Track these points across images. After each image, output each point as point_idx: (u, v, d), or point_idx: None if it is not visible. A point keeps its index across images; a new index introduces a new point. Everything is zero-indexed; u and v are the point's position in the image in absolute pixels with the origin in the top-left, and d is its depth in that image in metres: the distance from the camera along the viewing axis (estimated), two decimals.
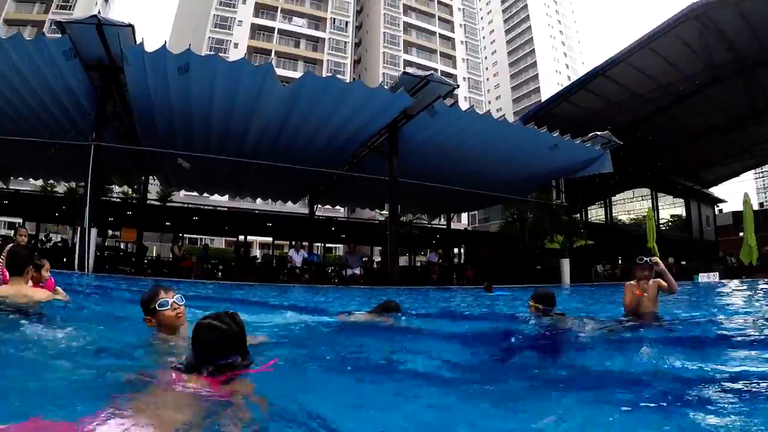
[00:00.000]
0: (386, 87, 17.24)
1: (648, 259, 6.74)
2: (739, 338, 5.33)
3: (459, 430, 2.59)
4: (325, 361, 4.12)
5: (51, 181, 29.24)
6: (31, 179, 29.96)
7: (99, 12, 15.84)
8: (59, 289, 6.63)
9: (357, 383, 3.44)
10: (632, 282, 6.94)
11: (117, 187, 28.81)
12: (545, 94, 78.10)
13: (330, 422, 2.43)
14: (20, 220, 28.99)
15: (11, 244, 6.38)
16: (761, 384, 3.13)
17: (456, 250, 27.80)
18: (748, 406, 2.78)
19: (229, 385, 2.64)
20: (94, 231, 16.39)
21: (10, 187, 29.29)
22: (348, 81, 17.47)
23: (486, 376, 3.58)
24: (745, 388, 3.06)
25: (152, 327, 3.84)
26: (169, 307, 3.76)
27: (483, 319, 7.27)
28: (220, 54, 15.56)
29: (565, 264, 24.97)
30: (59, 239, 30.54)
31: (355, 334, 5.96)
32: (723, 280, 24.39)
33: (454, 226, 34.82)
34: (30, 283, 5.76)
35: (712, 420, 2.56)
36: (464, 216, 57.41)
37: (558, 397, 3.02)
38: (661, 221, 42.95)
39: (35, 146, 20.30)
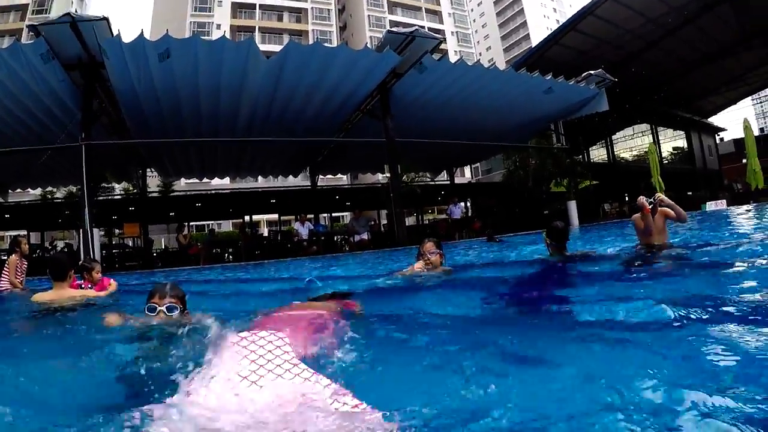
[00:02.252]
0: (372, 48, 16.95)
1: (652, 199, 6.61)
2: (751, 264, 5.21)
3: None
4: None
5: (50, 188, 29.20)
6: (29, 189, 29.93)
7: (75, 11, 15.55)
8: (113, 282, 7.40)
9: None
10: (637, 214, 6.85)
11: (117, 184, 28.80)
12: (535, 40, 77.34)
13: None
14: (24, 232, 29.04)
15: (53, 252, 7.03)
16: None
17: (462, 204, 27.61)
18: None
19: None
20: (96, 231, 16.32)
21: (10, 200, 29.31)
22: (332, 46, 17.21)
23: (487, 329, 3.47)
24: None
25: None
26: (154, 314, 3.78)
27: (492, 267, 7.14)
28: (204, 37, 15.24)
29: (572, 206, 24.89)
30: (63, 245, 30.60)
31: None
32: (731, 207, 24.22)
33: (457, 180, 34.63)
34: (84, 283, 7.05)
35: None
36: (467, 169, 57.30)
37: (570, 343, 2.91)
38: (663, 155, 42.74)
39: (27, 155, 20.19)
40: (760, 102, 74.99)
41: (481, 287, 5.69)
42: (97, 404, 2.41)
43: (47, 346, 4.00)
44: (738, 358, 2.34)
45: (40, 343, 4.16)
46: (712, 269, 5.12)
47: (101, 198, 25.59)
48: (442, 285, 5.97)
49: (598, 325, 3.41)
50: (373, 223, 26.44)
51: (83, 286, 7.19)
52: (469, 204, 28.64)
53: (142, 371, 2.72)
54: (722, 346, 2.47)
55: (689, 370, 2.33)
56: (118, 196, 29.04)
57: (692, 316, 3.12)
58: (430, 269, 6.38)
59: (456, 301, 4.79)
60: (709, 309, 3.24)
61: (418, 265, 6.56)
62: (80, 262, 7.93)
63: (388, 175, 21.22)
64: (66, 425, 2.04)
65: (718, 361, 2.33)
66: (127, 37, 13.81)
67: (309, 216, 24.61)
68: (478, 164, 54.80)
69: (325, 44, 16.60)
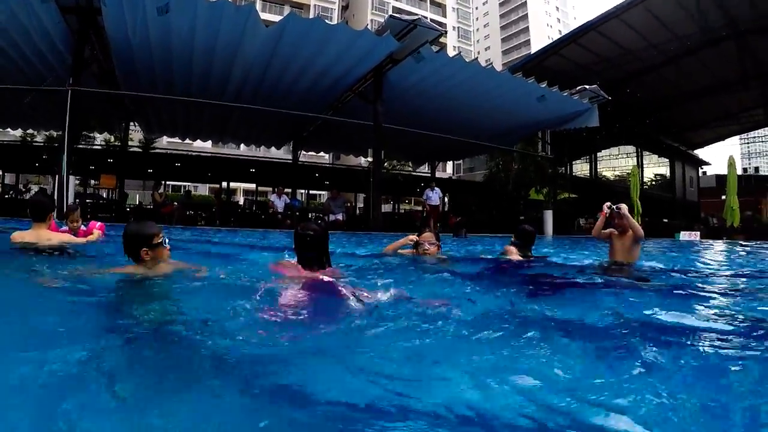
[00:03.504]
0: (372, 31, 16.89)
1: (614, 206, 6.79)
2: (716, 291, 5.28)
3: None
4: None
5: (30, 131, 28.83)
6: (9, 129, 29.44)
7: None
8: (96, 231, 7.33)
9: None
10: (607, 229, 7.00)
11: (98, 134, 28.49)
12: (535, 47, 77.54)
13: None
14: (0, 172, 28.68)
15: (33, 194, 6.96)
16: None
17: (440, 190, 27.58)
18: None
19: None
20: (72, 178, 16.13)
21: None
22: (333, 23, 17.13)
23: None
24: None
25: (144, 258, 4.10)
26: (167, 245, 4.28)
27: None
28: None
29: (549, 215, 25.08)
30: (38, 189, 30.25)
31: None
32: (704, 239, 24.51)
33: (439, 174, 34.68)
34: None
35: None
36: (449, 165, 57.44)
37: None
38: (645, 179, 43.14)
39: (12, 94, 19.89)
40: (747, 143, 75.97)
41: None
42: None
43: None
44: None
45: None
46: (660, 292, 5.15)
47: (81, 146, 25.32)
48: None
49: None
50: (349, 204, 26.40)
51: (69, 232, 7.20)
52: (447, 199, 28.71)
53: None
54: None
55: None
56: (99, 147, 28.73)
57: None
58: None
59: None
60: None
61: (400, 243, 6.86)
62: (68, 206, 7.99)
63: (371, 159, 21.17)
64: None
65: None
66: None
67: (286, 190, 24.48)
68: (460, 161, 54.92)
69: (326, 20, 16.53)
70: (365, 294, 3.72)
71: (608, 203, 6.91)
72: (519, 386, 2.11)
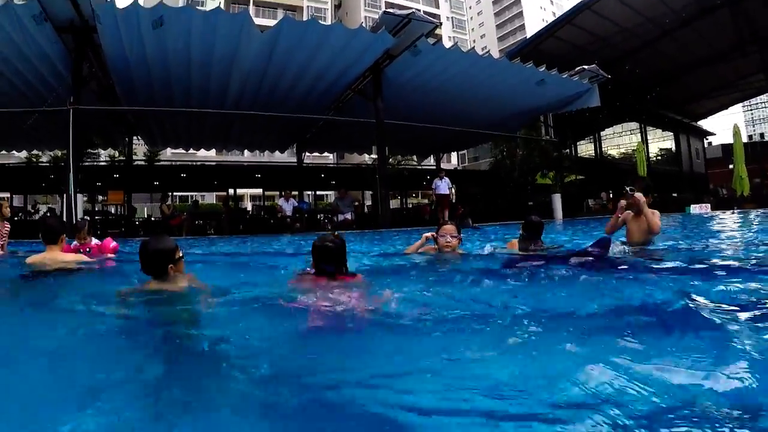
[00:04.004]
0: (367, 28, 16.90)
1: (629, 189, 6.66)
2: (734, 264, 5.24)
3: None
4: None
5: (35, 152, 28.94)
6: (14, 152, 29.55)
7: None
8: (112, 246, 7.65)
9: None
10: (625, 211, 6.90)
11: (102, 150, 28.59)
12: (530, 31, 77.24)
13: None
14: (7, 194, 28.75)
15: (45, 216, 7.06)
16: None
17: (448, 180, 27.48)
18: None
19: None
20: (80, 196, 16.21)
21: None
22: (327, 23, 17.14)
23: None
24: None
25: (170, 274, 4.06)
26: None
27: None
28: (198, 8, 15.09)
29: (557, 199, 25.04)
30: (46, 209, 30.40)
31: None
32: (715, 211, 24.40)
33: (444, 166, 34.65)
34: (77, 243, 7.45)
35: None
36: (454, 156, 57.31)
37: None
38: (650, 155, 42.99)
39: (14, 117, 19.97)
40: (751, 109, 75.79)
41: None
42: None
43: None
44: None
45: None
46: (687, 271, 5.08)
47: (86, 164, 25.44)
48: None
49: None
50: (357, 203, 26.41)
51: (81, 250, 7.34)
52: (453, 190, 28.80)
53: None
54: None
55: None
56: (104, 163, 28.86)
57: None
58: (448, 252, 6.37)
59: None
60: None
61: (421, 242, 6.71)
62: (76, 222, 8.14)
63: (375, 156, 21.18)
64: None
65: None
66: (121, 3, 13.71)
67: (294, 193, 24.52)
68: (465, 151, 54.89)
69: (321, 22, 16.54)
70: (380, 299, 3.80)
71: (628, 188, 6.78)
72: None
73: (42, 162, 28.77)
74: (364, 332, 3.21)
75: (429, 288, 4.63)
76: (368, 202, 32.98)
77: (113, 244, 7.75)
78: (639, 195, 6.65)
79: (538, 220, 6.97)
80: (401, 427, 1.80)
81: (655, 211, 6.74)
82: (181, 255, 4.12)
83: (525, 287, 4.54)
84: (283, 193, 23.52)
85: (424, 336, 2.95)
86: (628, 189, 6.71)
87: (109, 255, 7.48)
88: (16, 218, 22.92)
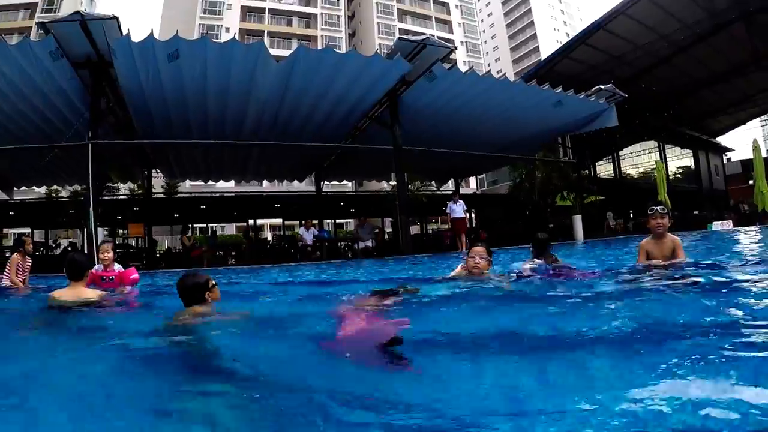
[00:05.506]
0: (382, 55, 16.91)
1: (659, 208, 6.39)
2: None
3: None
4: None
5: (55, 187, 29.17)
6: (34, 187, 29.83)
7: (85, 9, 15.48)
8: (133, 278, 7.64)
9: None
10: (648, 239, 6.61)
11: (122, 184, 28.80)
12: (545, 53, 77.41)
13: None
14: (28, 230, 28.99)
15: (71, 252, 7.12)
16: None
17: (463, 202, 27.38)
18: None
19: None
20: (101, 230, 16.24)
21: (15, 198, 29.28)
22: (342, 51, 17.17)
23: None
24: None
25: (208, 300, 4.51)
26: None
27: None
28: (213, 40, 15.16)
29: (578, 220, 24.78)
30: (67, 243, 30.58)
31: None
32: (737, 228, 24.06)
33: (463, 191, 34.56)
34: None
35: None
36: (472, 180, 57.26)
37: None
38: (669, 173, 42.66)
39: (34, 153, 20.17)
40: None
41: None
42: None
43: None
44: None
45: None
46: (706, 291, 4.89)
47: (106, 198, 25.61)
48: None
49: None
50: (377, 230, 26.36)
51: (104, 277, 7.36)
52: (473, 215, 28.59)
53: None
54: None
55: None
56: (123, 197, 29.06)
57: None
58: (477, 274, 6.17)
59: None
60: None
61: (462, 268, 6.49)
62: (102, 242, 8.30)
63: (394, 183, 21.12)
64: None
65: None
66: (137, 37, 13.78)
67: (314, 222, 24.51)
68: (483, 175, 54.75)
69: (336, 50, 16.57)
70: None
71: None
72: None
73: (62, 197, 28.99)
74: None
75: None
76: (388, 229, 32.93)
77: (135, 275, 7.70)
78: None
79: (542, 237, 7.26)
80: None
81: (676, 238, 6.50)
82: (214, 283, 4.60)
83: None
84: (303, 222, 23.50)
85: None
86: (657, 208, 6.43)
87: (128, 287, 7.43)
88: (37, 253, 23.10)
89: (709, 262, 7.10)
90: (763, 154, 30.77)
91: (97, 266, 7.55)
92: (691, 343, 2.86)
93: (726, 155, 53.01)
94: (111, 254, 7.64)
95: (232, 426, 2.12)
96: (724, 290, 4.64)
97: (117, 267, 7.78)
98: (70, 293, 5.78)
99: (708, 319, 3.41)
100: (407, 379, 2.63)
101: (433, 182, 34.33)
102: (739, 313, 3.49)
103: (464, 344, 3.37)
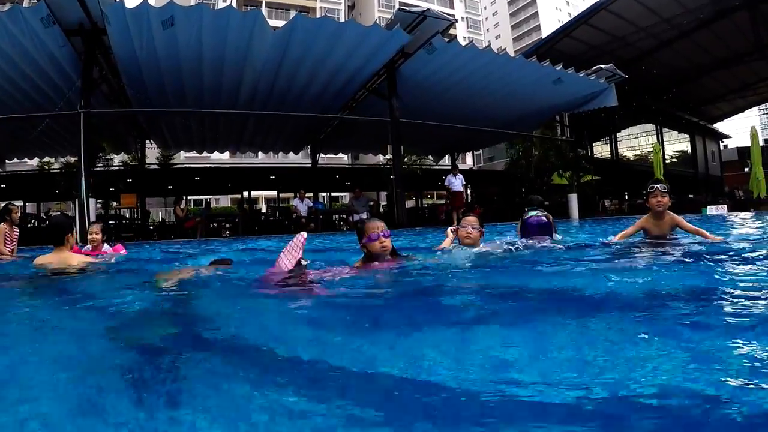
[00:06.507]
0: (381, 26, 16.69)
1: (659, 186, 6.21)
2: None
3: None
4: None
5: (47, 159, 28.94)
6: (26, 159, 29.59)
7: None
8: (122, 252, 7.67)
9: None
10: (647, 216, 6.46)
11: (115, 155, 28.57)
12: (546, 32, 76.93)
13: None
14: (20, 202, 28.81)
15: (53, 215, 7.10)
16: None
17: (462, 176, 27.29)
18: None
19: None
20: (93, 201, 16.02)
21: (7, 170, 29.05)
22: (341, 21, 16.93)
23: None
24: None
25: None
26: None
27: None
28: (209, 6, 14.91)
29: (573, 199, 24.78)
30: (60, 215, 30.46)
31: None
32: (732, 213, 24.05)
33: (459, 166, 34.46)
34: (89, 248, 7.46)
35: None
36: (469, 156, 57.26)
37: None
38: (666, 157, 42.80)
39: (25, 123, 19.90)
40: (767, 113, 75.97)
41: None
42: None
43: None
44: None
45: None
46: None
47: (99, 168, 25.41)
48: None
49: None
50: (372, 203, 26.29)
51: (92, 256, 7.14)
52: (469, 190, 28.57)
53: None
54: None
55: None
56: (117, 168, 28.83)
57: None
58: (469, 244, 6.06)
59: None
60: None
61: (451, 237, 6.46)
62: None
63: (390, 156, 20.99)
64: None
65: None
66: (131, 3, 13.52)
67: (308, 194, 24.37)
68: (480, 152, 54.77)
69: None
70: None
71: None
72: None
73: (54, 169, 28.77)
74: None
75: None
76: (383, 203, 32.89)
77: (123, 251, 7.61)
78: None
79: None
80: None
81: (676, 216, 6.36)
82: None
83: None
84: (297, 193, 23.34)
85: None
86: (658, 186, 6.25)
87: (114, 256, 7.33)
88: (29, 225, 22.96)
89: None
90: (761, 143, 30.78)
91: (86, 246, 7.45)
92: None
93: (723, 142, 53.58)
94: (99, 235, 7.50)
95: None
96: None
97: (106, 247, 7.66)
98: (53, 258, 5.67)
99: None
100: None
101: (429, 157, 34.22)
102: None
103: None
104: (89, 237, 7.49)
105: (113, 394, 1.83)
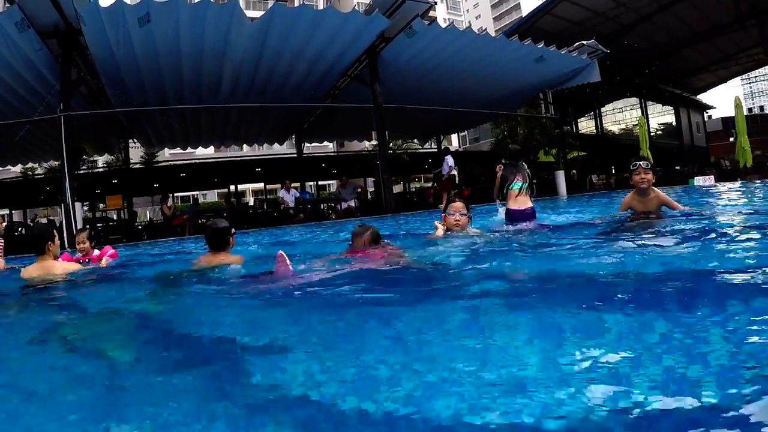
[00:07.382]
0: (360, 11, 16.57)
1: (642, 163, 6.22)
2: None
3: None
4: None
5: (30, 165, 28.75)
6: (9, 167, 29.33)
7: None
8: (108, 257, 7.35)
9: None
10: (631, 194, 6.50)
11: (99, 157, 28.40)
12: (526, 10, 76.76)
13: None
14: (6, 211, 28.62)
15: (35, 223, 7.03)
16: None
17: (451, 158, 27.21)
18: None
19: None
20: (79, 205, 15.88)
21: None
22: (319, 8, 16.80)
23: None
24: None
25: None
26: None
27: None
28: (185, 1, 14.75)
29: (560, 176, 24.79)
30: (46, 221, 30.27)
31: None
32: (719, 183, 24.15)
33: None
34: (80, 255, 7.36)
35: None
36: (455, 138, 57.17)
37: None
38: (651, 130, 42.99)
39: (5, 130, 19.66)
40: (749, 82, 76.72)
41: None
42: None
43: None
44: None
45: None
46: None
47: (83, 171, 25.24)
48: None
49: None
50: (360, 190, 26.26)
51: (81, 261, 7.10)
52: (456, 172, 28.71)
53: None
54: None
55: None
56: (101, 169, 28.65)
57: None
58: (458, 231, 6.08)
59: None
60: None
61: (441, 228, 6.27)
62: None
63: (375, 142, 20.95)
64: None
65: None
66: (105, 2, 13.32)
67: (294, 184, 24.28)
68: (465, 133, 54.78)
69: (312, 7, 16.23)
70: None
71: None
72: None
73: (38, 174, 28.57)
74: None
75: None
76: (371, 189, 32.88)
77: (111, 252, 7.50)
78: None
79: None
80: None
81: (661, 193, 6.39)
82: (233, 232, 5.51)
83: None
84: (283, 184, 23.23)
85: None
86: (641, 163, 6.26)
87: (106, 259, 7.22)
88: (16, 233, 22.79)
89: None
90: (745, 112, 30.94)
91: (77, 254, 7.39)
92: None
93: (707, 113, 54.12)
94: (87, 243, 7.43)
95: None
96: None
97: (95, 252, 7.58)
98: (37, 269, 5.60)
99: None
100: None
101: (415, 140, 34.21)
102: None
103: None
104: (77, 247, 7.44)
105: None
